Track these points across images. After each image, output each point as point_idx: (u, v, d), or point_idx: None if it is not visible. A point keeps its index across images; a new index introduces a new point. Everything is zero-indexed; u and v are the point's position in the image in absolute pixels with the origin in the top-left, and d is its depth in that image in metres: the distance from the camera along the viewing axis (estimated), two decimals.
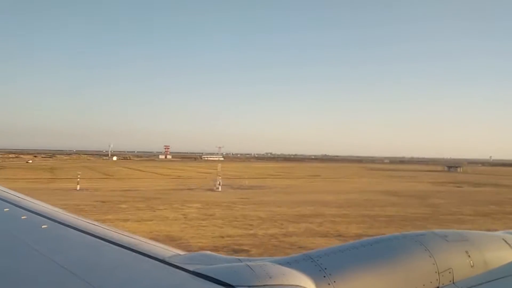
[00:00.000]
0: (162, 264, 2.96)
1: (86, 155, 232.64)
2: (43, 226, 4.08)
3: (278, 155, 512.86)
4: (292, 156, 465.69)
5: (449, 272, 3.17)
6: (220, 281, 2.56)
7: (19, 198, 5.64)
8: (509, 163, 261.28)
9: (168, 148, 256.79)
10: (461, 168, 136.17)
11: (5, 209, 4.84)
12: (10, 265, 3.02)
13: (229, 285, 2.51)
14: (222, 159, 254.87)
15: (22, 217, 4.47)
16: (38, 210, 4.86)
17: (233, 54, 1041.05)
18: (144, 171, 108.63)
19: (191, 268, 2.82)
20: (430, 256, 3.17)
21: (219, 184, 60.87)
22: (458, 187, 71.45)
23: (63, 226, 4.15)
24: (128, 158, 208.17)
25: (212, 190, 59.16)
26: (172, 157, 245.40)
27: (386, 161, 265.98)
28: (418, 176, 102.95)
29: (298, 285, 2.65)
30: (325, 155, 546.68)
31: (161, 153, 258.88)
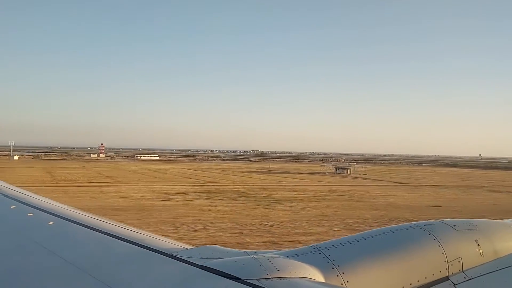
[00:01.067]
0: (169, 259, 2.93)
1: None
2: (49, 223, 4.03)
3: (264, 152, 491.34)
4: (277, 154, 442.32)
5: (458, 261, 3.15)
6: (228, 274, 2.54)
7: (25, 195, 5.57)
8: (452, 162, 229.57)
9: (103, 146, 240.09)
10: (349, 170, 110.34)
11: (11, 206, 4.83)
12: (18, 262, 2.99)
13: (237, 278, 2.49)
14: (157, 158, 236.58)
15: (29, 214, 4.43)
16: (44, 207, 4.80)
17: (232, 55, 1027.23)
18: None
19: (198, 262, 2.80)
20: (439, 245, 3.14)
21: None
22: (165, 200, 48.23)
23: (69, 222, 4.11)
24: (39, 157, 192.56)
25: None
26: (105, 156, 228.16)
27: (341, 159, 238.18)
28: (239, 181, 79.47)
29: (306, 277, 2.61)
30: (313, 152, 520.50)
31: (94, 150, 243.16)
